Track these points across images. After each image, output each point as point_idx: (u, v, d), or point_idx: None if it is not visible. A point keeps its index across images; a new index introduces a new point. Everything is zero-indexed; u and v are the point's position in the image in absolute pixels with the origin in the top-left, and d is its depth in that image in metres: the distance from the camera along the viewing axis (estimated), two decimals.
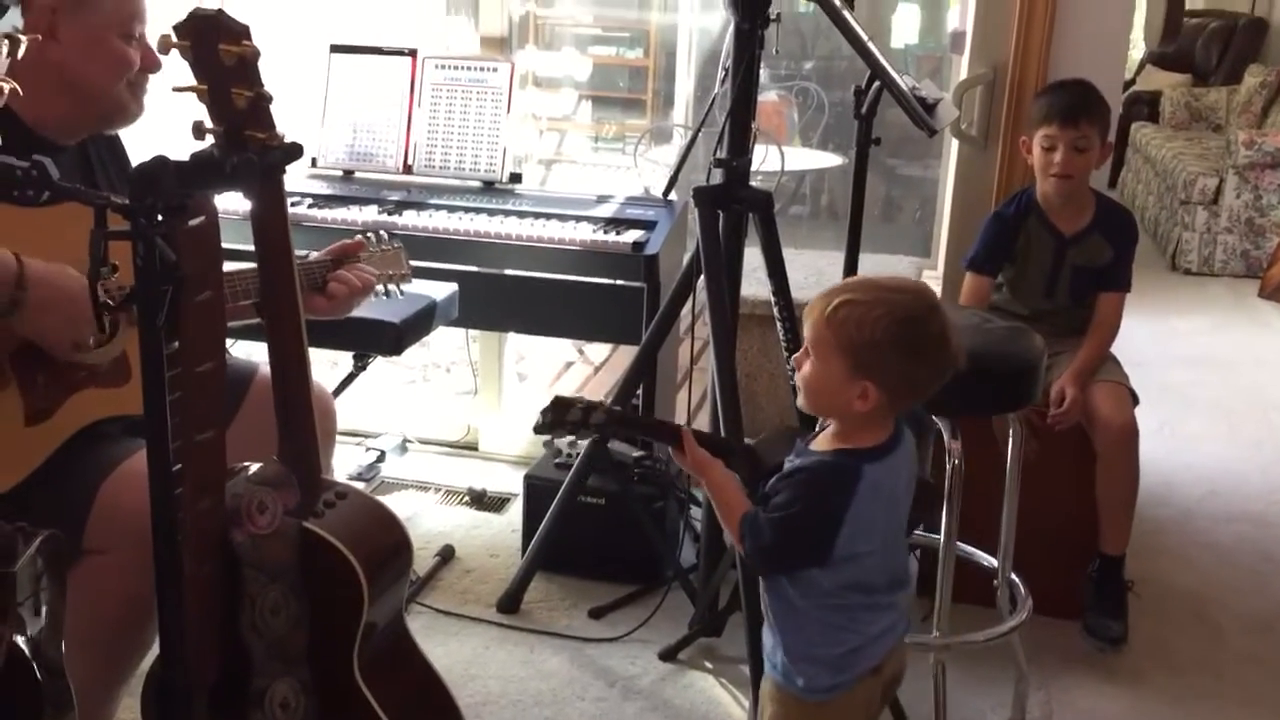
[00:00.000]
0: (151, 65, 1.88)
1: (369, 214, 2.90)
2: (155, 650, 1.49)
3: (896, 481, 1.58)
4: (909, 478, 1.62)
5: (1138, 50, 8.49)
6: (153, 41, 1.74)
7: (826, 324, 1.51)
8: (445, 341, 3.99)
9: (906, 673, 1.70)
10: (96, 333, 1.32)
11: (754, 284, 2.82)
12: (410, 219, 2.87)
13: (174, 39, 1.40)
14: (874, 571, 1.58)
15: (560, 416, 1.58)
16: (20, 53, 1.44)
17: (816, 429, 1.64)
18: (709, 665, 2.50)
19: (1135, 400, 2.60)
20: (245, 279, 1.75)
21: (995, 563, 2.31)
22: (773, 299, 2.47)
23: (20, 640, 1.33)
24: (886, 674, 1.64)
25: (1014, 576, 2.33)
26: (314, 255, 1.97)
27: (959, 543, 2.16)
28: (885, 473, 1.55)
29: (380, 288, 2.06)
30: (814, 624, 1.58)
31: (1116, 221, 2.70)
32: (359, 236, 2.06)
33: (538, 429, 1.60)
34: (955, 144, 3.27)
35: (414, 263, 2.21)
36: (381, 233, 2.13)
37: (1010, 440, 2.24)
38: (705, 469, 1.62)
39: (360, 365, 2.68)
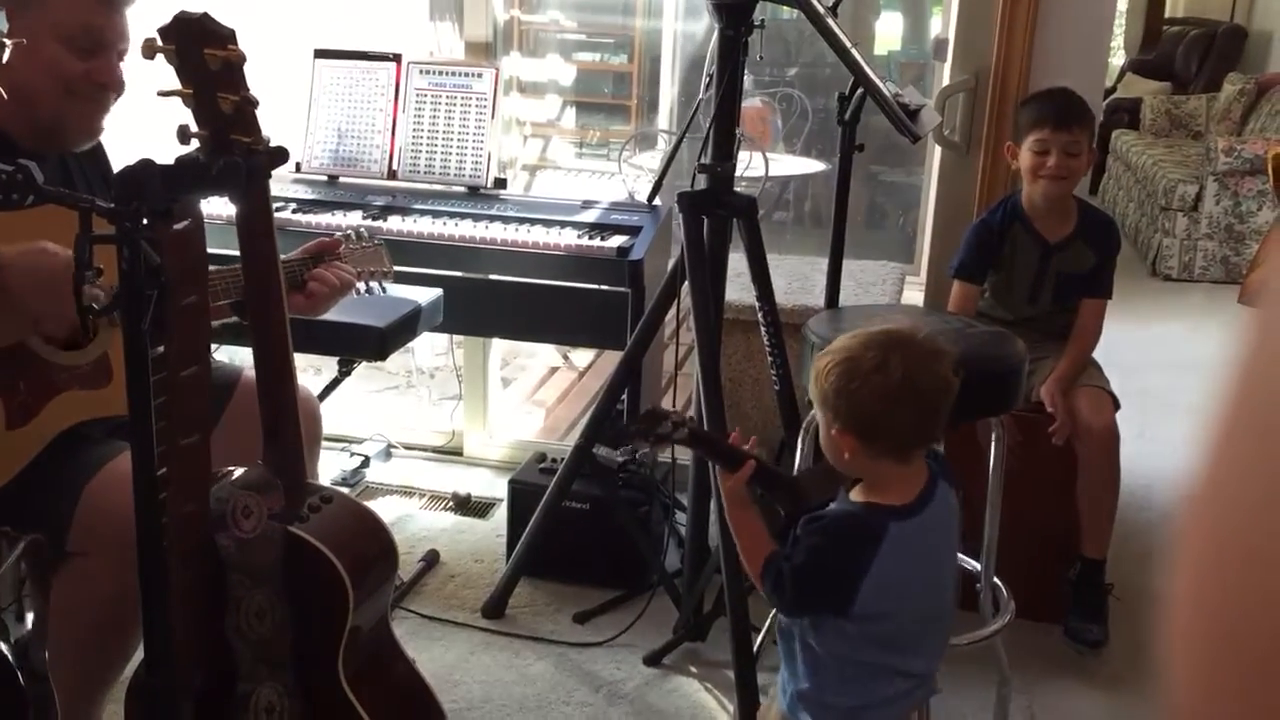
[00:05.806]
0: (109, 84, 1.79)
1: (353, 219, 2.89)
2: (140, 654, 1.48)
3: (928, 539, 1.56)
4: (949, 539, 1.61)
5: (1118, 58, 8.54)
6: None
7: (814, 383, 1.55)
8: (430, 347, 3.99)
9: None
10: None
11: (738, 289, 2.82)
12: (395, 224, 2.87)
13: (159, 42, 1.40)
14: (906, 635, 1.56)
15: (651, 426, 1.59)
16: (4, 56, 1.44)
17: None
18: (694, 669, 2.50)
19: (1116, 405, 2.62)
20: (223, 278, 1.74)
21: (978, 566, 2.32)
22: (757, 304, 2.48)
23: (3, 646, 1.33)
24: None
25: (996, 580, 2.35)
26: (292, 253, 1.96)
27: None
28: (914, 531, 1.54)
29: (361, 285, 2.04)
30: (829, 671, 1.57)
31: (1100, 228, 2.72)
32: (337, 234, 2.06)
33: (627, 434, 1.63)
34: (938, 150, 3.28)
35: (399, 268, 2.21)
36: (361, 229, 2.12)
37: (993, 444, 2.25)
38: (732, 504, 1.62)
39: (344, 370, 2.68)
